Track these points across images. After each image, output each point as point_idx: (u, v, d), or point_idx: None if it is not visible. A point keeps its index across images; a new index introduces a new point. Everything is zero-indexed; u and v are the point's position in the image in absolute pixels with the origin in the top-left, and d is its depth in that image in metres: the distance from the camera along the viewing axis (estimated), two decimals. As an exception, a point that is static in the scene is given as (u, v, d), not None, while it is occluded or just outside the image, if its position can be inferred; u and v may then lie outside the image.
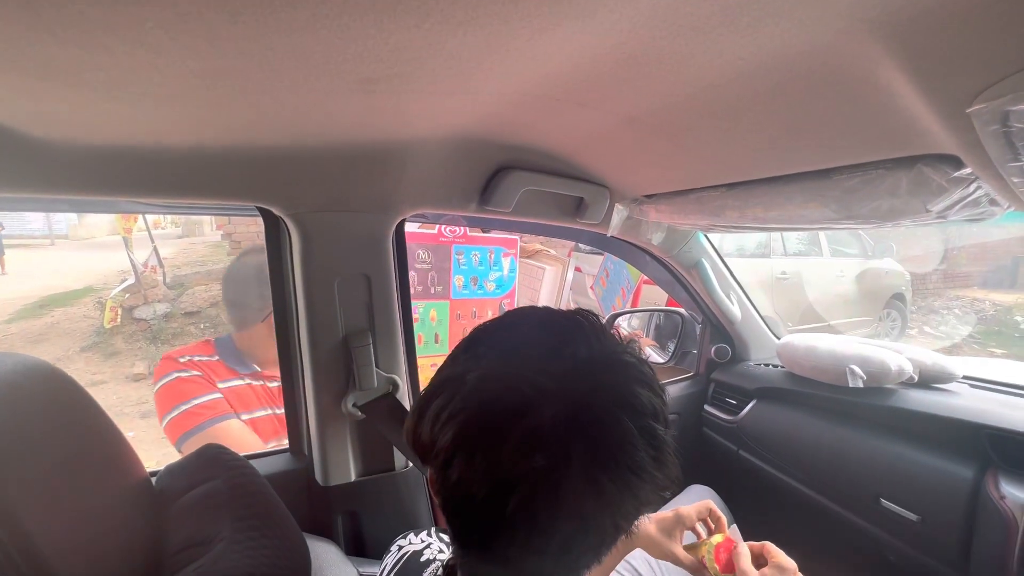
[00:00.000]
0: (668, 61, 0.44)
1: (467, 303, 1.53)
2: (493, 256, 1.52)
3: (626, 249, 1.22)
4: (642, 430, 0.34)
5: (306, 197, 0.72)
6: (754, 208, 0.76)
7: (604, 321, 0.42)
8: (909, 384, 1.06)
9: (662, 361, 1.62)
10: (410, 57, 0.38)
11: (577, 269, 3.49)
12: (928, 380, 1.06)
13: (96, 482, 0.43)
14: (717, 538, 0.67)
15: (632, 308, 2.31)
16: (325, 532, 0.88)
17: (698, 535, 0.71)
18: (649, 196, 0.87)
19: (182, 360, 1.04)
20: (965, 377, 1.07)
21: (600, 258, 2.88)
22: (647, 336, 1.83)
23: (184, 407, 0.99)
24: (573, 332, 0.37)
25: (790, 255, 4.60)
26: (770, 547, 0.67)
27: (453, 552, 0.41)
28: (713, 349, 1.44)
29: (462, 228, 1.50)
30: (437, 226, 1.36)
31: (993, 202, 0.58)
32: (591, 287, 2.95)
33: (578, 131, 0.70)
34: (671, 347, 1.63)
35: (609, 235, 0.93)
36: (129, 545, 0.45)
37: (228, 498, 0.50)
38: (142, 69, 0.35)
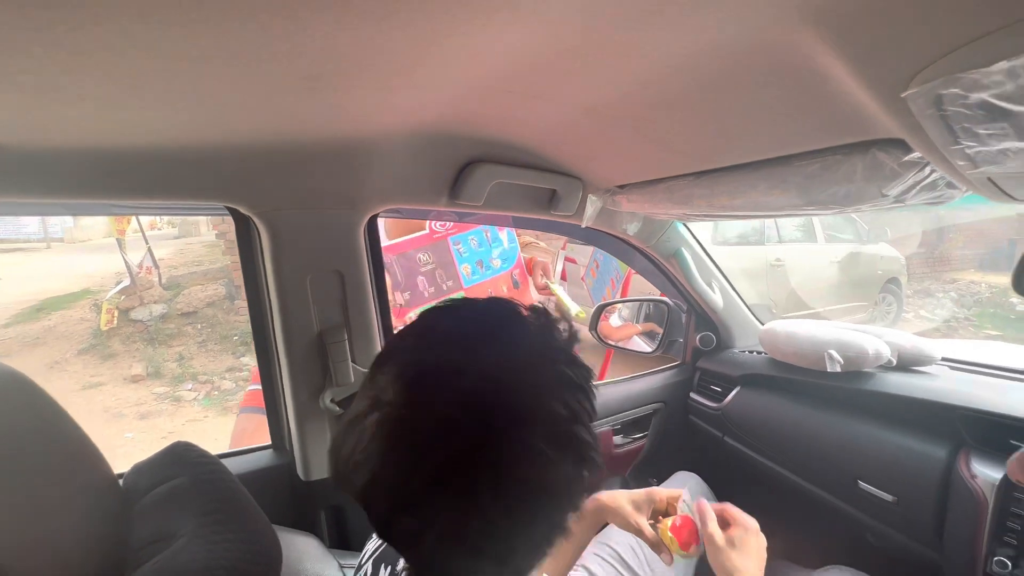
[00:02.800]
0: (611, 52, 0.44)
1: (480, 287, 1.53)
2: (490, 234, 1.53)
3: (607, 240, 1.23)
4: (557, 438, 0.34)
5: (273, 195, 0.72)
6: (721, 196, 0.77)
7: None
8: (887, 368, 1.07)
9: (650, 350, 1.63)
10: (341, 54, 0.38)
11: (571, 260, 3.49)
12: (907, 363, 1.07)
13: (58, 483, 0.44)
14: (673, 518, 0.69)
15: (621, 298, 2.32)
16: (310, 527, 0.90)
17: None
18: (621, 187, 0.87)
19: None
20: (944, 359, 1.08)
21: (592, 249, 2.89)
22: (636, 325, 1.84)
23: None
24: (487, 340, 0.36)
25: (785, 242, 4.59)
26: (731, 509, 0.69)
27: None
28: (698, 337, 1.45)
29: (451, 221, 1.50)
30: (427, 223, 1.36)
31: (951, 185, 0.58)
32: (582, 277, 2.96)
33: (543, 123, 0.70)
34: (659, 336, 1.64)
35: (583, 226, 0.94)
36: (93, 544, 0.46)
37: (193, 494, 0.50)
38: (69, 71, 0.35)
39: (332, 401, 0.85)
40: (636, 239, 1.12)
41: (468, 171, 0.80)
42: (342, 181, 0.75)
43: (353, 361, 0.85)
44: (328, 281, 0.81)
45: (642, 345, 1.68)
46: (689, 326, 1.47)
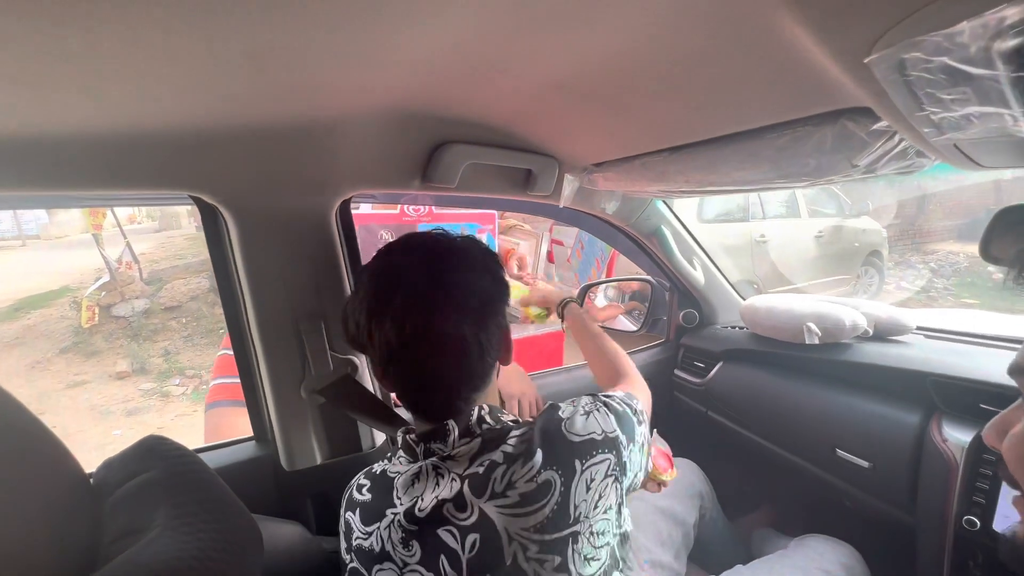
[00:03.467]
0: (577, 26, 0.43)
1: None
2: (466, 231, 1.50)
3: (589, 221, 1.22)
4: (486, 268, 0.60)
5: (237, 182, 0.70)
6: (695, 172, 0.76)
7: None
8: (864, 338, 1.09)
9: (634, 329, 1.64)
10: (281, 31, 0.36)
11: (558, 242, 3.48)
12: (883, 333, 1.09)
13: (19, 481, 0.43)
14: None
15: (606, 278, 2.32)
16: (296, 515, 0.90)
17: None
18: (597, 165, 0.86)
19: None
20: (919, 328, 1.10)
21: (576, 230, 2.88)
22: (620, 305, 1.85)
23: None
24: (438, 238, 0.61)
25: (769, 218, 4.63)
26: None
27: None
28: (681, 315, 1.46)
29: (426, 207, 1.47)
30: (399, 206, 1.33)
31: (920, 154, 0.58)
32: (568, 259, 2.96)
33: (513, 101, 0.68)
34: (644, 315, 1.65)
35: (561, 206, 0.93)
36: (63, 541, 0.45)
37: (166, 487, 0.49)
38: (12, 56, 0.33)
39: (312, 390, 0.84)
40: (616, 218, 1.11)
41: (439, 153, 0.78)
42: (308, 165, 0.73)
43: (332, 349, 0.84)
44: (301, 269, 0.79)
45: (627, 325, 1.69)
46: (672, 304, 1.48)
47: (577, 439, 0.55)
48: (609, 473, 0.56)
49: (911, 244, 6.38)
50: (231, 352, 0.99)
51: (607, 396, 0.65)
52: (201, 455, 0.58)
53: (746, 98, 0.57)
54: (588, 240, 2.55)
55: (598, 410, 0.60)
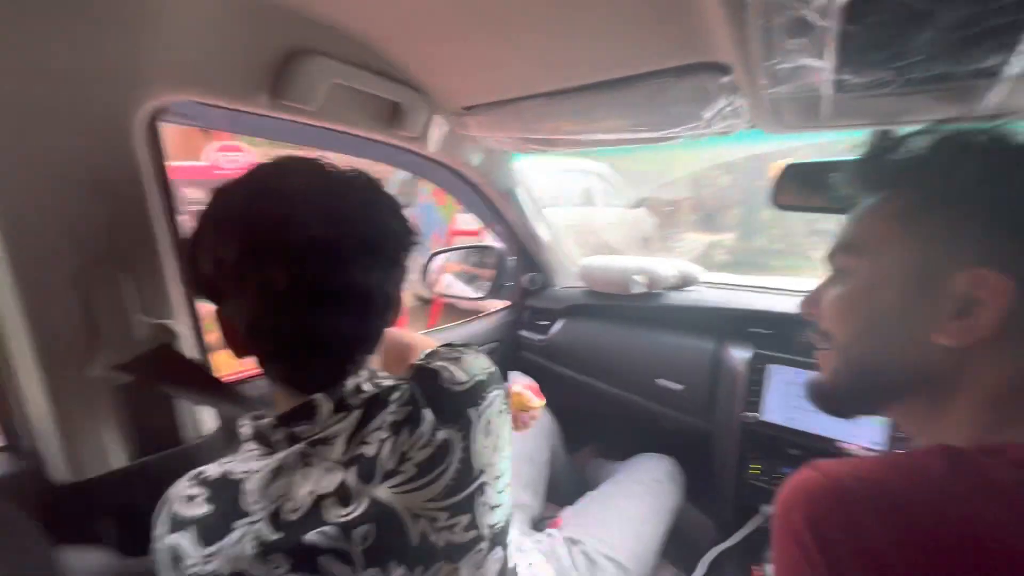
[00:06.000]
0: None
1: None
2: None
3: (440, 175, 1.18)
4: (393, 208, 0.51)
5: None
6: (568, 120, 0.80)
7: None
8: (673, 287, 1.33)
9: (478, 295, 1.67)
10: None
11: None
12: (684, 284, 1.35)
13: None
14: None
15: (448, 247, 2.32)
16: (90, 539, 0.66)
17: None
18: (469, 108, 0.84)
19: None
20: (703, 281, 1.40)
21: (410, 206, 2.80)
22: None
23: None
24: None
25: (572, 205, 5.28)
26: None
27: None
28: (526, 278, 1.54)
29: (244, 152, 1.21)
30: (209, 152, 1.07)
31: (737, 114, 0.72)
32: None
33: (387, 13, 0.61)
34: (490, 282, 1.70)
35: (430, 151, 0.88)
36: None
37: None
38: None
39: (110, 369, 0.62)
40: (476, 174, 1.10)
41: (299, 63, 0.64)
42: (107, 44, 0.52)
43: (141, 312, 0.63)
44: (88, 199, 0.57)
45: (468, 291, 1.72)
46: (518, 269, 1.56)
47: (462, 387, 0.51)
48: (500, 409, 0.55)
49: (668, 233, 8.07)
50: None
51: (450, 343, 0.61)
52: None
53: (624, 44, 0.62)
54: (425, 214, 2.51)
55: (464, 354, 0.56)
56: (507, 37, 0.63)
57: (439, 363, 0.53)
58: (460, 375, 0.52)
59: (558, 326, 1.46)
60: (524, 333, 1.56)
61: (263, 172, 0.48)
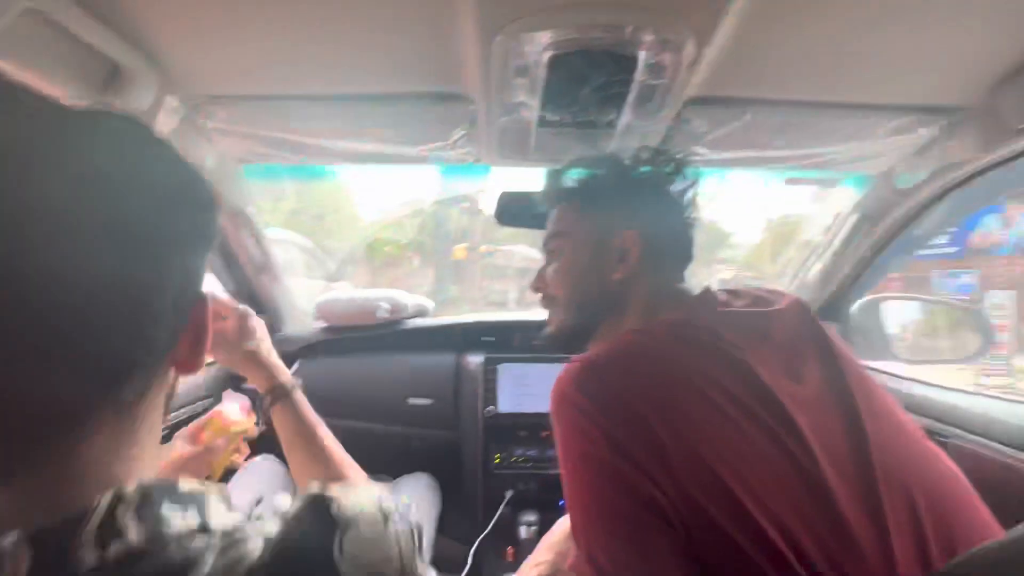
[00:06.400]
0: None
1: None
2: None
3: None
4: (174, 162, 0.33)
5: None
6: (325, 128, 0.85)
7: None
8: (412, 315, 1.44)
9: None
10: None
11: None
12: (419, 314, 1.49)
13: None
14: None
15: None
16: None
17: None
18: (215, 97, 0.76)
19: None
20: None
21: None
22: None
23: None
24: None
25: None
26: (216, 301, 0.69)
27: None
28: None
29: None
30: None
31: (460, 145, 0.92)
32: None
33: None
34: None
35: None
36: None
37: None
38: None
39: None
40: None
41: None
42: None
43: None
44: None
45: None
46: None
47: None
48: None
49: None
50: None
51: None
52: None
53: (390, 63, 0.72)
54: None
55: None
56: (276, 27, 0.64)
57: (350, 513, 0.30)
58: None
59: (293, 370, 1.33)
60: (247, 386, 1.34)
61: None
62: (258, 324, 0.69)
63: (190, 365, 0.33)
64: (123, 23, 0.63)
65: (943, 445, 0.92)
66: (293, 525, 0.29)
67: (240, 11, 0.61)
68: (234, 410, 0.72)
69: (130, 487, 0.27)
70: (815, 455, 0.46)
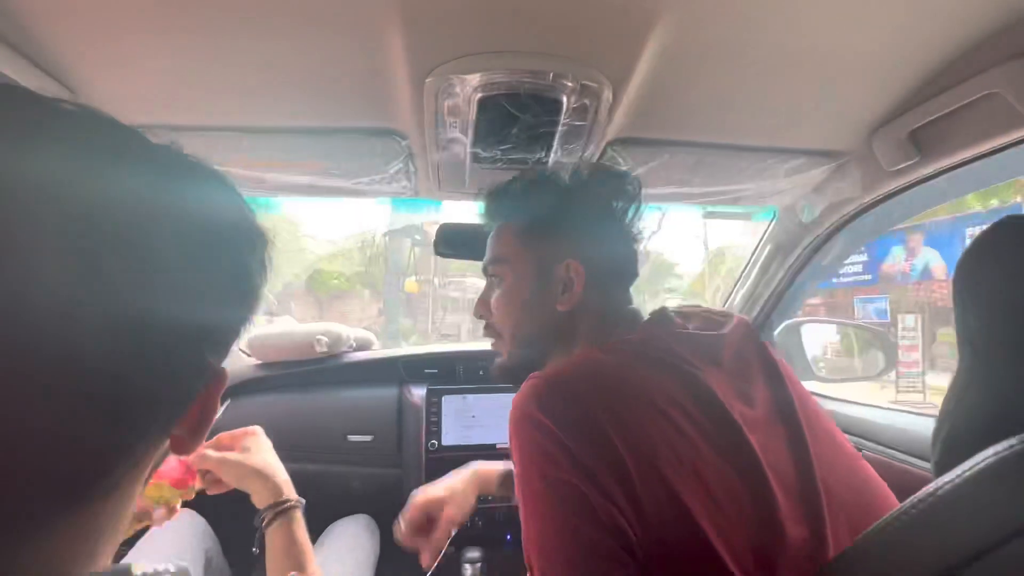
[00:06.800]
0: None
1: None
2: None
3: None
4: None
5: None
6: (259, 160, 0.84)
7: None
8: (352, 348, 1.40)
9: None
10: None
11: None
12: (361, 348, 1.45)
13: None
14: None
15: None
16: None
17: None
18: (145, 127, 0.74)
19: None
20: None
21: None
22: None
23: None
24: None
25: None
26: (223, 436, 0.72)
27: None
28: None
29: None
30: None
31: (397, 180, 0.93)
32: None
33: None
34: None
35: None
36: None
37: None
38: None
39: None
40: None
41: None
42: None
43: None
44: None
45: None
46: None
47: None
48: None
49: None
50: None
51: None
52: None
53: (325, 99, 0.74)
54: None
55: None
56: (207, 57, 0.64)
57: None
58: None
59: (222, 411, 1.25)
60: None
61: None
62: (265, 439, 0.71)
63: (188, 444, 0.29)
64: (42, 55, 0.60)
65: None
66: None
67: (161, 41, 0.60)
68: (173, 467, 0.64)
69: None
70: (767, 476, 0.47)
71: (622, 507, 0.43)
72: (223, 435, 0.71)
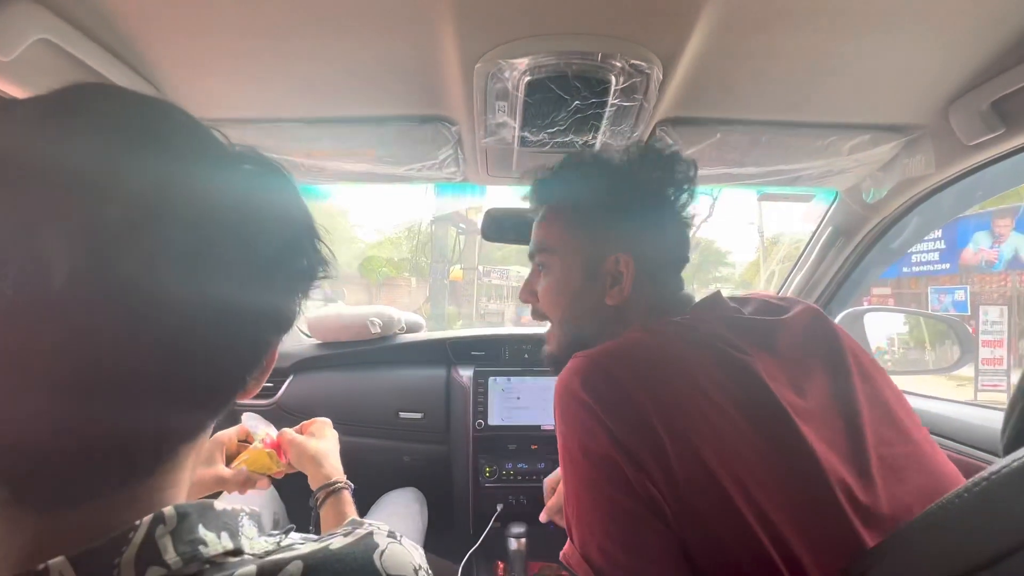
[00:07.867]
0: None
1: None
2: None
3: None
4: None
5: None
6: (318, 149, 0.89)
7: None
8: (404, 331, 1.47)
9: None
10: None
11: None
12: (411, 330, 1.51)
13: None
14: (257, 443, 0.72)
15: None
16: None
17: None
18: (214, 120, 0.80)
19: None
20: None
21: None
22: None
23: None
24: None
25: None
26: (305, 425, 0.78)
27: None
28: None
29: None
30: None
31: (452, 164, 0.96)
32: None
33: None
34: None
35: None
36: None
37: None
38: None
39: None
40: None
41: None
42: None
43: None
44: None
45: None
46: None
47: None
48: None
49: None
50: None
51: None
52: None
53: (379, 88, 0.77)
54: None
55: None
56: (268, 54, 0.69)
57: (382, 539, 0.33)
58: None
59: (288, 384, 1.35)
60: (239, 402, 1.35)
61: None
62: (331, 431, 0.76)
63: (249, 393, 0.33)
64: (130, 54, 0.67)
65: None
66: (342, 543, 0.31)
67: (236, 42, 0.65)
68: (265, 440, 0.72)
69: (168, 510, 0.27)
70: (821, 466, 0.45)
71: (661, 486, 0.44)
72: (305, 423, 0.78)
